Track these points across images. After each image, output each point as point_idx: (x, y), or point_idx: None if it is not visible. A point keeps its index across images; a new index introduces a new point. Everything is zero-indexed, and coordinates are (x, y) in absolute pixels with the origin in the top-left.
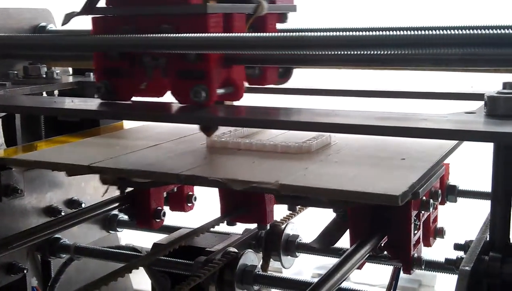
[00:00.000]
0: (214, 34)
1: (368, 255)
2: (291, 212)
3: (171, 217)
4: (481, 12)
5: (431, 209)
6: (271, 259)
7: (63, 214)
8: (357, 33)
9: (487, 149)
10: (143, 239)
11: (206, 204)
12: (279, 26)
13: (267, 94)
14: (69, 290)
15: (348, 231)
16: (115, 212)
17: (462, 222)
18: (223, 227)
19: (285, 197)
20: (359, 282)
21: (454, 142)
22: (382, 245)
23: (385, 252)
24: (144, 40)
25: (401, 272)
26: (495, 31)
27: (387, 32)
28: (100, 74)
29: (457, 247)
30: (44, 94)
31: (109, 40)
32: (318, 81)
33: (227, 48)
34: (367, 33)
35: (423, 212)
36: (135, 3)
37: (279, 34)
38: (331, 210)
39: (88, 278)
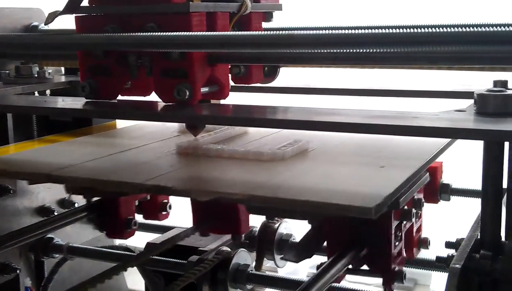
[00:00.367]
0: (196, 33)
1: (346, 268)
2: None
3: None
4: (475, 11)
5: (413, 219)
6: (264, 258)
7: (55, 214)
8: (345, 31)
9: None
10: (136, 239)
11: None
12: (264, 25)
13: (263, 93)
14: (63, 290)
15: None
16: None
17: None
18: None
19: (256, 207)
20: (354, 281)
21: (440, 146)
22: (362, 257)
23: (365, 265)
24: (127, 39)
25: None
26: (489, 29)
27: (377, 30)
28: (84, 73)
29: (448, 245)
30: (36, 94)
31: (93, 39)
32: (306, 80)
33: (209, 47)
34: (355, 31)
35: (405, 222)
36: (118, 2)
37: (261, 32)
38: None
39: (81, 278)
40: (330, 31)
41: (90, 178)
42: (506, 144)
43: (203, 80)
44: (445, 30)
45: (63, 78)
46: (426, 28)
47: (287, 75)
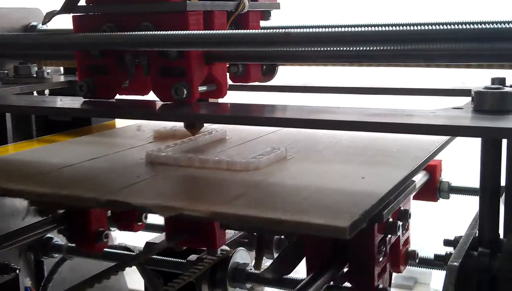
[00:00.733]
0: (193, 32)
1: (326, 286)
2: None
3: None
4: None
5: (399, 232)
6: (264, 257)
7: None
8: (342, 29)
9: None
10: (136, 238)
11: None
12: (262, 23)
13: (262, 92)
14: (63, 289)
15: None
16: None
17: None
18: None
19: (227, 224)
20: None
21: (431, 151)
22: (343, 274)
23: (347, 282)
24: (124, 38)
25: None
26: (485, 26)
27: (373, 28)
28: (82, 72)
29: (447, 242)
30: (35, 93)
31: (89, 38)
32: (303, 78)
33: (207, 45)
34: (352, 29)
35: (390, 235)
36: (115, 1)
37: (257, 31)
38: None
39: (81, 277)
40: (327, 29)
41: (44, 192)
42: (504, 141)
43: (201, 79)
44: (441, 27)
45: (62, 78)
46: (422, 26)
47: (285, 74)
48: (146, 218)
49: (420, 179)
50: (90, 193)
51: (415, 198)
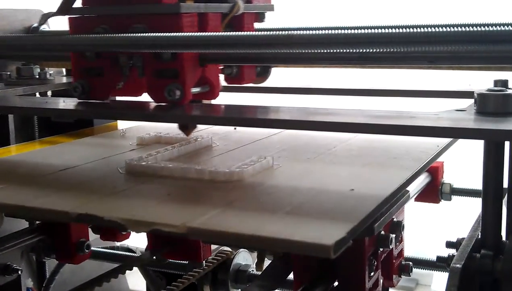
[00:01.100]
0: (187, 34)
1: None
2: None
3: None
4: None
5: (392, 245)
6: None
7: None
8: (340, 31)
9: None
10: (138, 240)
11: None
12: (257, 25)
13: (260, 93)
14: (64, 290)
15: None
16: None
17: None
18: None
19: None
20: None
21: (426, 160)
22: (332, 290)
23: None
24: (118, 40)
25: None
26: (487, 28)
27: (374, 30)
28: (77, 74)
29: (449, 244)
30: (37, 95)
31: (84, 40)
32: (308, 80)
33: (200, 47)
34: (352, 31)
35: (382, 248)
36: (110, 3)
37: (251, 32)
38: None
39: (83, 278)
40: (330, 31)
41: (10, 204)
42: (507, 143)
43: (194, 81)
44: (444, 29)
45: (64, 80)
46: (423, 28)
47: (288, 76)
48: None
49: (420, 181)
50: (61, 206)
51: (417, 199)
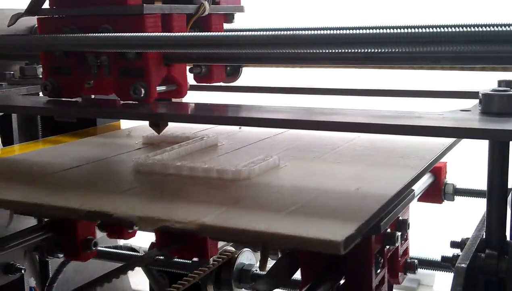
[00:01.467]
0: (146, 34)
1: None
2: None
3: None
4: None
5: (397, 243)
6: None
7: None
8: (344, 31)
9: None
10: (141, 239)
11: None
12: (226, 26)
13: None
14: (67, 290)
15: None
16: None
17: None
18: None
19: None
20: None
21: (431, 159)
22: (339, 287)
23: None
24: (82, 40)
25: None
26: (491, 29)
27: (375, 30)
28: (47, 72)
29: (454, 244)
30: (41, 94)
31: (51, 39)
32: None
33: (160, 47)
34: (356, 31)
35: (388, 246)
36: (76, 4)
37: (207, 33)
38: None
39: (86, 278)
40: (331, 32)
41: (20, 202)
42: None
43: (159, 79)
44: (448, 30)
45: None
46: (428, 28)
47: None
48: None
49: (424, 182)
50: (71, 203)
51: (420, 200)
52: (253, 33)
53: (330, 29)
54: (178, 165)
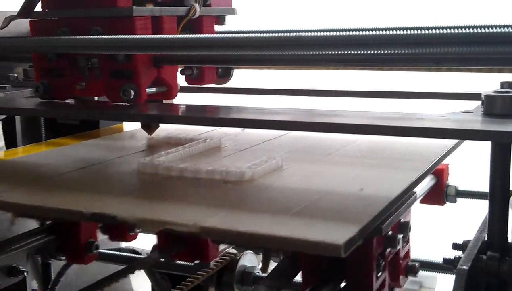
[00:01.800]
0: (135, 36)
1: None
2: None
3: None
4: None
5: (399, 246)
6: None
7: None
8: (346, 33)
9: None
10: (143, 241)
11: None
12: (217, 28)
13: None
14: None
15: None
16: None
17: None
18: None
19: (218, 239)
20: None
21: (433, 161)
22: (341, 289)
23: None
24: (73, 42)
25: None
26: (495, 30)
27: (379, 32)
28: (39, 74)
29: (455, 246)
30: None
31: (43, 41)
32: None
33: (151, 49)
34: (358, 33)
35: (389, 249)
36: (67, 6)
37: (198, 35)
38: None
39: (88, 280)
40: (335, 33)
41: (23, 204)
42: None
43: (149, 81)
44: (451, 31)
45: None
46: (431, 30)
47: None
48: (139, 228)
49: (426, 183)
50: (75, 206)
51: (422, 202)
52: (245, 35)
53: (329, 30)
54: (181, 166)
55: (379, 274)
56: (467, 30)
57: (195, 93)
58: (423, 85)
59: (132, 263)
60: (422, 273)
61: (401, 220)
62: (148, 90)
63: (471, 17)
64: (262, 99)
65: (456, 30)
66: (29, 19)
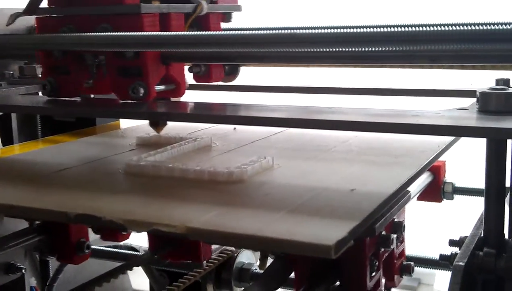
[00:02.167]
0: (143, 33)
1: None
2: None
3: None
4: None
5: (393, 246)
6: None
7: None
8: (343, 30)
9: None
10: (141, 238)
11: None
12: (224, 25)
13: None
14: (68, 289)
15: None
16: None
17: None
18: None
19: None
20: None
21: (428, 159)
22: (335, 289)
23: None
24: (79, 39)
25: None
26: (491, 27)
27: (374, 29)
28: (46, 72)
29: (452, 243)
30: (40, 94)
31: (50, 39)
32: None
33: (160, 46)
34: (355, 30)
35: (383, 249)
36: (75, 3)
37: (208, 32)
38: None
39: (86, 277)
40: (332, 30)
41: (6, 204)
42: (509, 142)
43: (158, 79)
44: (447, 28)
45: None
46: (427, 27)
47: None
48: None
49: (423, 180)
50: (60, 206)
51: (419, 199)
52: (252, 32)
53: (329, 28)
54: (169, 166)
55: (373, 274)
56: (462, 27)
57: (195, 92)
58: (418, 82)
59: (129, 260)
60: (420, 270)
61: (395, 220)
62: (157, 87)
63: (470, 16)
64: (259, 97)
65: (451, 28)
66: (34, 16)
